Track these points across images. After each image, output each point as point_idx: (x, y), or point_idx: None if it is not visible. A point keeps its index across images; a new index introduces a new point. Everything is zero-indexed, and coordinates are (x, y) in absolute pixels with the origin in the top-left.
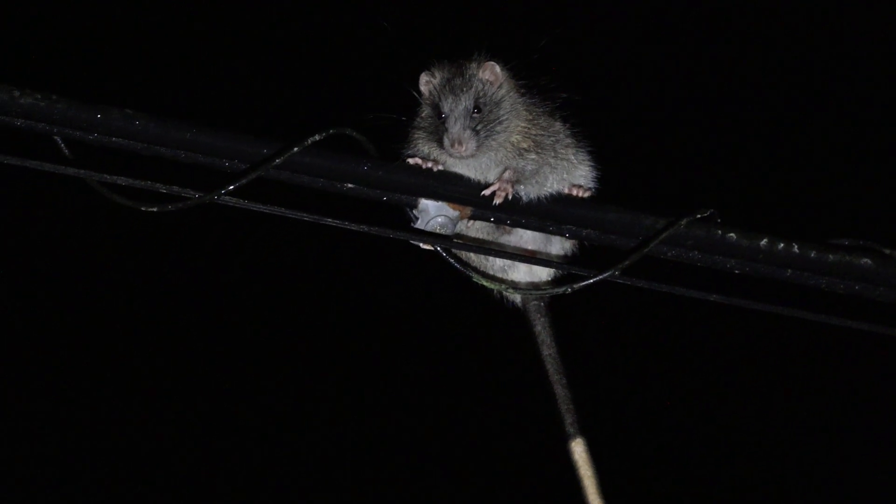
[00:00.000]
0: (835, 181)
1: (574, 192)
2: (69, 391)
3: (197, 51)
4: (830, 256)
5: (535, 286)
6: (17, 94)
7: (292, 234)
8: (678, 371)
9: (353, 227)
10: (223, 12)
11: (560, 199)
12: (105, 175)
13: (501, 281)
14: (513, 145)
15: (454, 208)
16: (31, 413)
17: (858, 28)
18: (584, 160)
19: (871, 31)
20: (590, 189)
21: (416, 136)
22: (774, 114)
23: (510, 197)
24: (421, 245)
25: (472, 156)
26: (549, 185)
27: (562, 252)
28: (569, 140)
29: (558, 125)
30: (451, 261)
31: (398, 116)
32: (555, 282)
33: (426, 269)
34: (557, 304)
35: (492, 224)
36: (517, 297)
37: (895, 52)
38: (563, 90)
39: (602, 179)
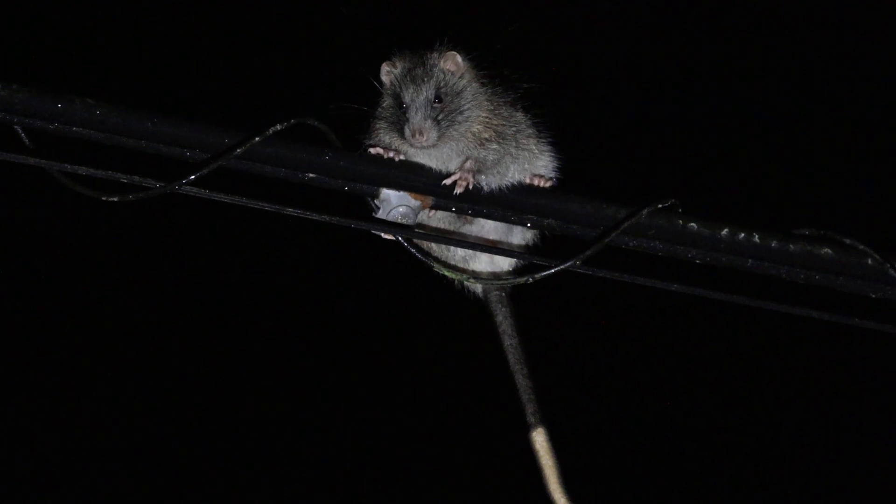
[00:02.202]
0: (796, 171)
1: (535, 182)
2: (31, 382)
3: (159, 40)
4: (791, 246)
5: (496, 276)
6: None
7: (254, 224)
8: (640, 360)
9: (315, 216)
10: (185, 2)
11: (521, 189)
12: (66, 165)
13: (463, 271)
14: (474, 135)
15: (416, 198)
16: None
17: (823, 18)
18: (545, 150)
19: (837, 20)
20: (551, 179)
21: (377, 126)
22: (736, 104)
23: (471, 187)
24: (382, 235)
25: (434, 146)
26: (510, 175)
27: (523, 242)
28: (530, 130)
29: (520, 115)
30: (413, 251)
31: (360, 106)
32: (516, 272)
33: (387, 259)
34: (519, 294)
35: (453, 214)
36: (478, 287)
37: (858, 42)
38: (524, 80)
39: (564, 169)
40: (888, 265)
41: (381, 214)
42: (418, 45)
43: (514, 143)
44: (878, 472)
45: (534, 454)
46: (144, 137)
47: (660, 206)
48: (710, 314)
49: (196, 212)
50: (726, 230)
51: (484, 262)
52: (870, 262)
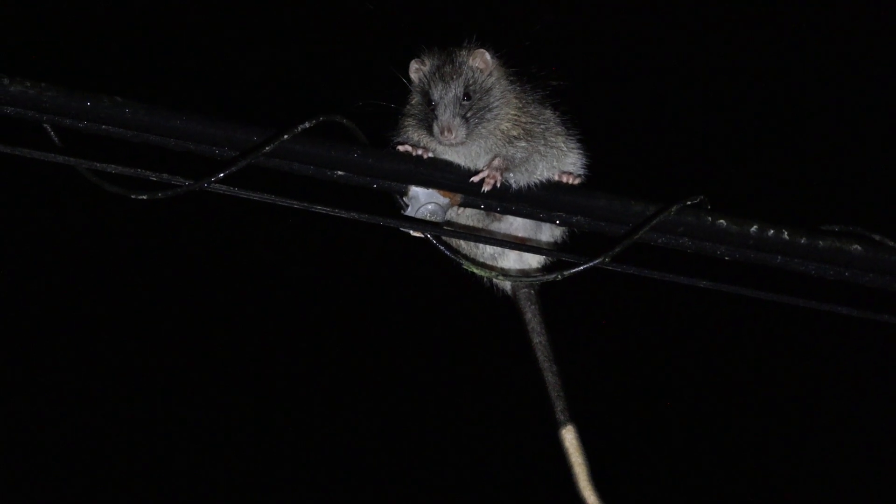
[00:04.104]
0: (825, 167)
1: (564, 180)
2: (58, 379)
3: (187, 39)
4: (820, 243)
5: (525, 273)
6: (6, 81)
7: (282, 222)
8: (668, 357)
9: (344, 214)
10: (214, 1)
11: (550, 187)
12: (95, 163)
13: (492, 268)
14: (503, 133)
15: (444, 195)
16: (17, 401)
17: (842, 16)
18: (573, 147)
19: (866, 16)
20: (580, 176)
21: (406, 123)
22: (765, 100)
23: (499, 184)
24: (411, 232)
25: (462, 143)
26: (538, 172)
27: (552, 239)
28: (559, 128)
29: (548, 113)
30: (442, 248)
31: (388, 104)
32: (545, 269)
33: (416, 257)
34: (548, 291)
35: (482, 211)
36: (507, 285)
37: (879, 39)
38: (553, 78)
39: (592, 166)
40: None
41: (409, 212)
42: (447, 43)
43: (542, 141)
44: None
45: (563, 452)
46: (173, 135)
47: (688, 202)
48: (739, 311)
49: (225, 209)
50: (755, 227)
51: (513, 260)
52: None
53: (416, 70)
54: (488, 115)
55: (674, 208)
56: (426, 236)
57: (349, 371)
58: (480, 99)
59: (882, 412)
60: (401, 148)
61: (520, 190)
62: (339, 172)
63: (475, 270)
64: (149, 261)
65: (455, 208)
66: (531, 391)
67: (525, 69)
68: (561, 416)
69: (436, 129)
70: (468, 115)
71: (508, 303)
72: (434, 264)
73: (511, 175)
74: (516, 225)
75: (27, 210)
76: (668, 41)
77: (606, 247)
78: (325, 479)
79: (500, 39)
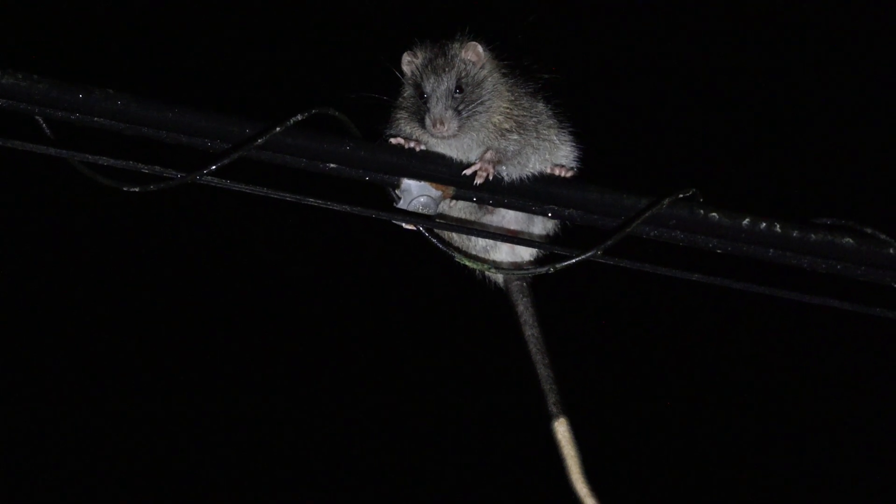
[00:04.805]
0: (817, 161)
1: (556, 173)
2: (50, 374)
3: (180, 31)
4: (813, 236)
5: (517, 266)
6: None
7: (275, 214)
8: (660, 351)
9: (336, 207)
10: None
11: (542, 180)
12: (87, 155)
13: (484, 261)
14: (495, 126)
15: (437, 188)
16: (9, 397)
17: (843, 7)
18: (566, 140)
19: (858, 10)
20: (572, 169)
21: (398, 116)
22: (757, 94)
23: (491, 177)
24: (403, 225)
25: (454, 136)
26: (531, 165)
27: (544, 232)
28: (551, 121)
29: (541, 106)
30: (434, 241)
31: (381, 96)
32: (537, 262)
33: (408, 250)
34: (540, 284)
35: (474, 204)
36: (499, 278)
37: (871, 31)
38: (545, 71)
39: (584, 159)
40: None
41: (402, 204)
42: (440, 36)
43: (534, 134)
44: None
45: (556, 444)
46: (165, 127)
47: (681, 195)
48: (731, 304)
49: (217, 202)
50: (747, 220)
51: (505, 252)
52: (891, 251)
53: (409, 63)
54: (480, 108)
55: (666, 201)
56: (418, 229)
57: (341, 364)
58: (472, 91)
59: (876, 406)
60: (393, 141)
61: (512, 183)
62: (332, 165)
63: (467, 263)
64: (141, 253)
65: (447, 201)
66: (523, 383)
67: (517, 62)
68: (553, 409)
69: (428, 121)
70: (460, 107)
71: (501, 295)
72: (426, 257)
73: (503, 168)
74: (508, 217)
75: (19, 203)
76: (661, 35)
77: (599, 240)
78: (312, 466)
79: (492, 32)
